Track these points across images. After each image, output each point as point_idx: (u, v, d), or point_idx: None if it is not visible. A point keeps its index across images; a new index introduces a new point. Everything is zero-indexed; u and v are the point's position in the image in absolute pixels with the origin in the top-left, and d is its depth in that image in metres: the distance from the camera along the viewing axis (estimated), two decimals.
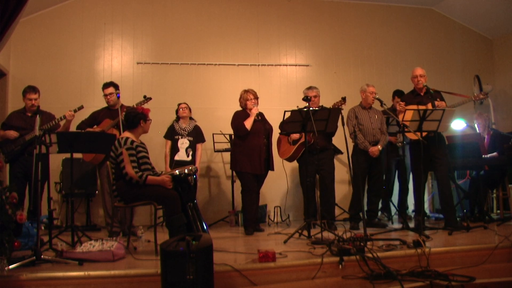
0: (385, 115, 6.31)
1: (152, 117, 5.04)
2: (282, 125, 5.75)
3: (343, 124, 5.38)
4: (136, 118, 4.80)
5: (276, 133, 6.43)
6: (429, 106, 5.91)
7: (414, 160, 6.14)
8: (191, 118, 7.00)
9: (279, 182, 7.23)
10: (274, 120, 6.45)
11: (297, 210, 7.71)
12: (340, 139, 5.75)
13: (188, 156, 6.70)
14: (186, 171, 4.68)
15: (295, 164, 6.69)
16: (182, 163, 6.46)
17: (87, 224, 7.14)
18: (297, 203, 7.72)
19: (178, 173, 4.65)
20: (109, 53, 7.87)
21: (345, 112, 5.93)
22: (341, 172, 7.98)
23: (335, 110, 5.36)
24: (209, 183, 7.89)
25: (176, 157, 6.68)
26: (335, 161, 6.77)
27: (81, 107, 5.92)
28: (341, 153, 7.46)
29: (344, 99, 5.98)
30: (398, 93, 7.32)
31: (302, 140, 6.03)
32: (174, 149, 6.74)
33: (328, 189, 6.25)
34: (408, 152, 6.60)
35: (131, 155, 4.61)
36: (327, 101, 6.37)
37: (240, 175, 6.12)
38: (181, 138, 6.76)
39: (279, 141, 6.46)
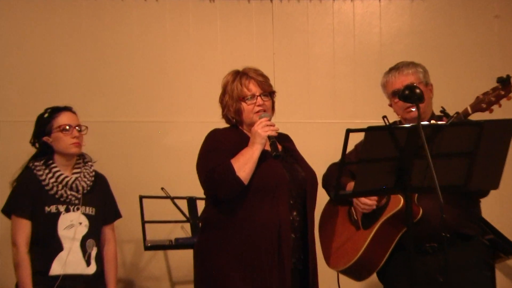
0: None
1: None
2: (337, 174, 2.80)
3: None
4: None
5: (322, 195, 3.21)
6: None
7: None
8: (81, 157, 3.67)
9: None
10: (318, 154, 3.41)
11: None
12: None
13: (89, 263, 3.57)
14: None
15: (371, 284, 3.41)
16: (73, 282, 3.37)
17: None
18: None
19: None
20: None
21: None
22: None
23: (500, 126, 2.53)
24: None
25: (55, 268, 3.42)
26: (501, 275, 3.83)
27: None
28: None
29: None
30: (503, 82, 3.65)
31: (394, 208, 2.93)
32: (44, 244, 3.47)
33: None
34: None
35: None
36: (463, 96, 3.08)
37: None
38: (66, 211, 3.57)
39: (324, 221, 3.36)
